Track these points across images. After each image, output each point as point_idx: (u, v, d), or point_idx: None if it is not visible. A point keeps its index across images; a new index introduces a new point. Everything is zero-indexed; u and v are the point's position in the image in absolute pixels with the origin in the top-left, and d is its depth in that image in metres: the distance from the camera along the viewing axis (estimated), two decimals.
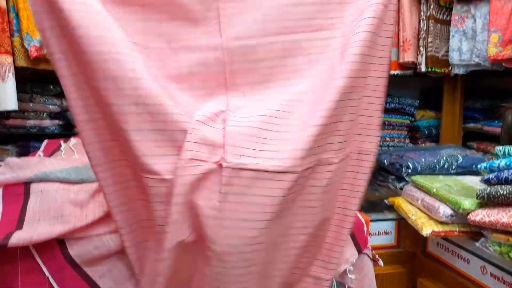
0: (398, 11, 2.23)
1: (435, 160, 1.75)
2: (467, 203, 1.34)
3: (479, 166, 1.36)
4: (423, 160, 1.76)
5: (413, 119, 2.60)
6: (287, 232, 0.97)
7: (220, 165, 0.87)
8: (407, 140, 2.60)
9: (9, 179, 1.23)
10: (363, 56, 0.90)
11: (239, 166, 0.87)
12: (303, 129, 0.90)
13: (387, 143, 2.55)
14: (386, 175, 1.94)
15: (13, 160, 1.36)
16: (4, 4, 1.85)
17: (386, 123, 2.55)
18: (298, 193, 0.93)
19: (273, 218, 0.89)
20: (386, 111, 2.53)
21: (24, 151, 2.29)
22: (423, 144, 2.61)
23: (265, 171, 0.87)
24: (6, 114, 2.14)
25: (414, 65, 2.29)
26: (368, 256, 1.21)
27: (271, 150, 0.89)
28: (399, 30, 2.25)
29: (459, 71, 2.24)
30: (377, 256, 1.24)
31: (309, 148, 0.89)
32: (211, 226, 0.89)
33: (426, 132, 2.59)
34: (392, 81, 2.36)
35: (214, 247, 0.89)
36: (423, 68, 2.25)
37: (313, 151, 0.90)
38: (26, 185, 1.24)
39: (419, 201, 1.52)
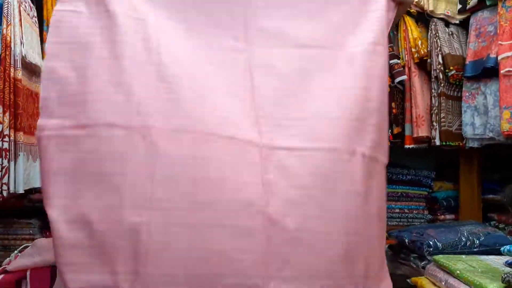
0: (410, 89, 2.31)
1: (456, 238, 1.74)
2: (493, 287, 1.32)
3: (501, 249, 1.35)
4: (443, 238, 1.74)
5: (430, 190, 2.60)
6: None
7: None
8: (426, 212, 2.58)
9: (37, 263, 1.27)
10: None
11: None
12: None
13: (406, 215, 2.54)
14: (407, 253, 1.91)
15: (40, 241, 1.41)
16: (36, 88, 1.99)
17: (404, 194, 2.55)
18: None
19: None
20: (403, 183, 2.54)
21: (47, 224, 2.32)
22: (443, 216, 2.58)
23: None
24: (34, 190, 2.21)
25: (428, 139, 2.33)
26: None
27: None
28: (411, 107, 2.31)
29: (474, 144, 2.26)
30: None
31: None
32: None
33: (445, 203, 2.57)
34: (408, 153, 2.42)
35: None
36: (437, 142, 2.29)
37: None
38: (52, 268, 1.27)
39: (443, 283, 1.49)
